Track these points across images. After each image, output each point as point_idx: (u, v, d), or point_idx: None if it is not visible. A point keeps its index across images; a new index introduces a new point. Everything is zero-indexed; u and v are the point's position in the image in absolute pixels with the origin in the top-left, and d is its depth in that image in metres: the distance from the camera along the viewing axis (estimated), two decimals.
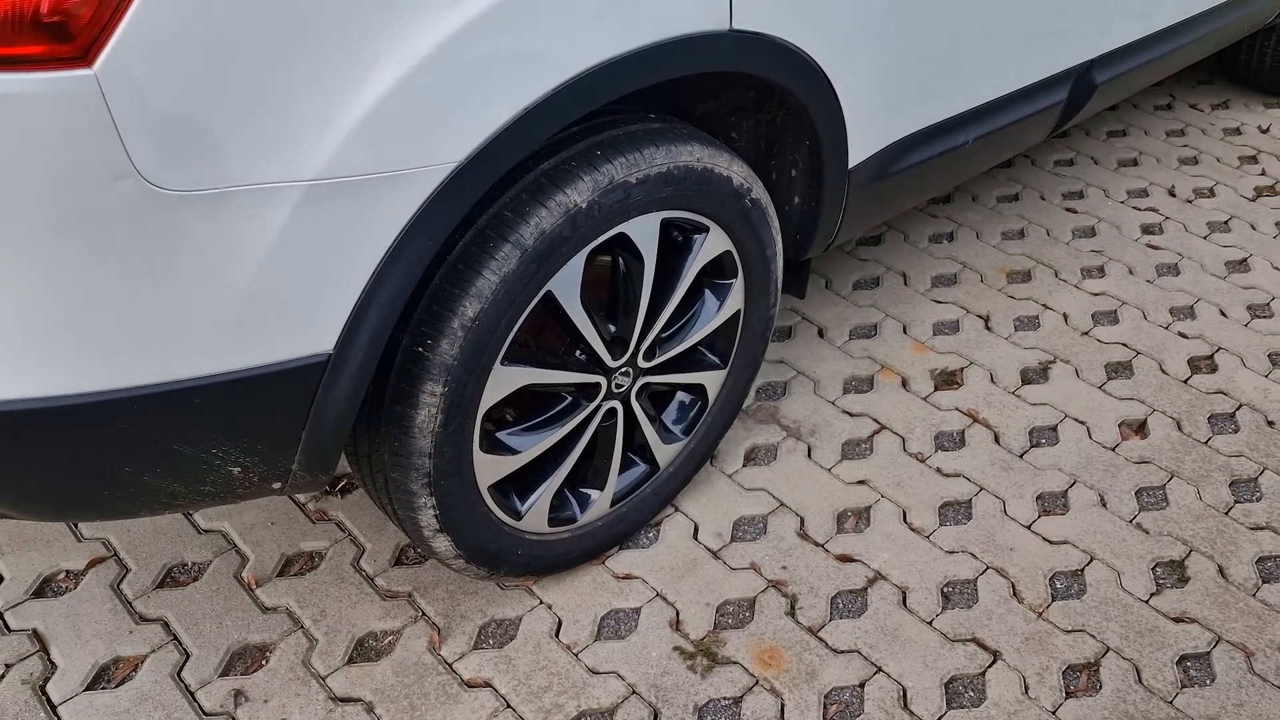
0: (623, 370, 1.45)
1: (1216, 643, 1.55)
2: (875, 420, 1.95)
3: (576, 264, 1.26)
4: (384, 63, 0.96)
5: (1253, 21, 2.62)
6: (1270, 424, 1.97)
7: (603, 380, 1.43)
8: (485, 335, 1.20)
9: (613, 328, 1.41)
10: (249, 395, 1.05)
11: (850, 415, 1.96)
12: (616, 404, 1.49)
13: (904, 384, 2.04)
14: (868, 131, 1.58)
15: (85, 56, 0.82)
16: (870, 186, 1.67)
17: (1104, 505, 1.78)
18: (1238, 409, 2.00)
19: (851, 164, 1.59)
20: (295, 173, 0.95)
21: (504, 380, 1.28)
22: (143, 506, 1.17)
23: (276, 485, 1.19)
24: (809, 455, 1.87)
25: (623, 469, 1.59)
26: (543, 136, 1.11)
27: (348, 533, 1.69)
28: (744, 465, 1.85)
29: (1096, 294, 2.31)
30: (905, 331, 2.18)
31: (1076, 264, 2.40)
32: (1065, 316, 2.23)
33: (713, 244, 1.45)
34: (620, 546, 1.67)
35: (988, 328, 2.20)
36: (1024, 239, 2.49)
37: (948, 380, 2.05)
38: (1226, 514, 1.78)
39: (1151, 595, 1.62)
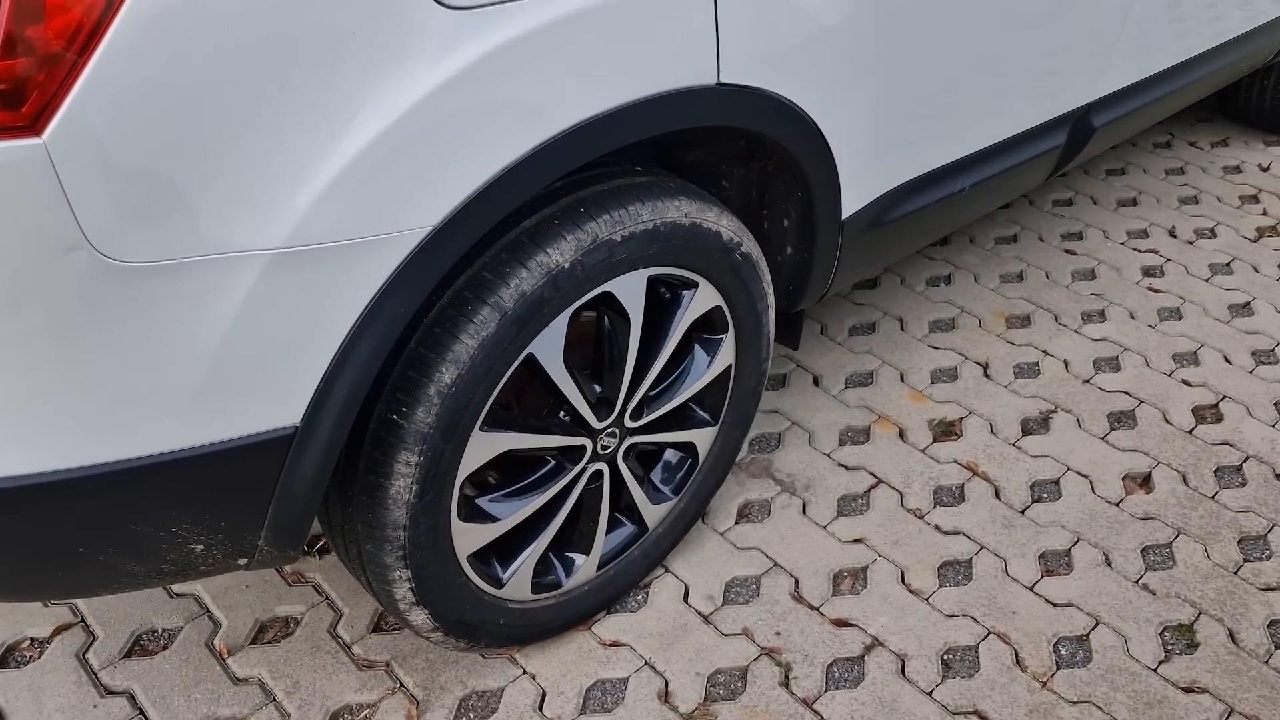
0: (609, 431, 1.40)
1: (1229, 715, 1.50)
2: (872, 474, 1.91)
3: (559, 325, 1.22)
4: (354, 126, 0.92)
5: (1252, 61, 2.61)
6: (1278, 477, 1.93)
7: (588, 442, 1.38)
8: (463, 401, 1.15)
9: (598, 388, 1.36)
10: (211, 472, 1.01)
11: (846, 469, 1.92)
12: (603, 465, 1.44)
13: (901, 435, 2.00)
14: (862, 181, 1.55)
15: (34, 125, 0.79)
16: (865, 235, 1.64)
17: (1109, 565, 1.74)
18: (1244, 461, 1.97)
19: (845, 214, 1.55)
20: (259, 241, 0.91)
21: (483, 446, 1.23)
22: (99, 586, 1.12)
23: (242, 561, 1.14)
24: (804, 511, 1.83)
25: (609, 530, 1.54)
26: (521, 198, 1.08)
27: (325, 596, 1.64)
28: (737, 522, 1.80)
29: (1098, 339, 2.28)
30: (903, 379, 2.14)
31: (1077, 308, 2.38)
32: (1066, 363, 2.20)
33: (702, 299, 1.41)
34: (607, 611, 1.62)
35: (987, 375, 2.16)
36: (1023, 282, 2.46)
37: (946, 431, 2.01)
38: (1235, 574, 1.74)
39: (1160, 663, 1.58)
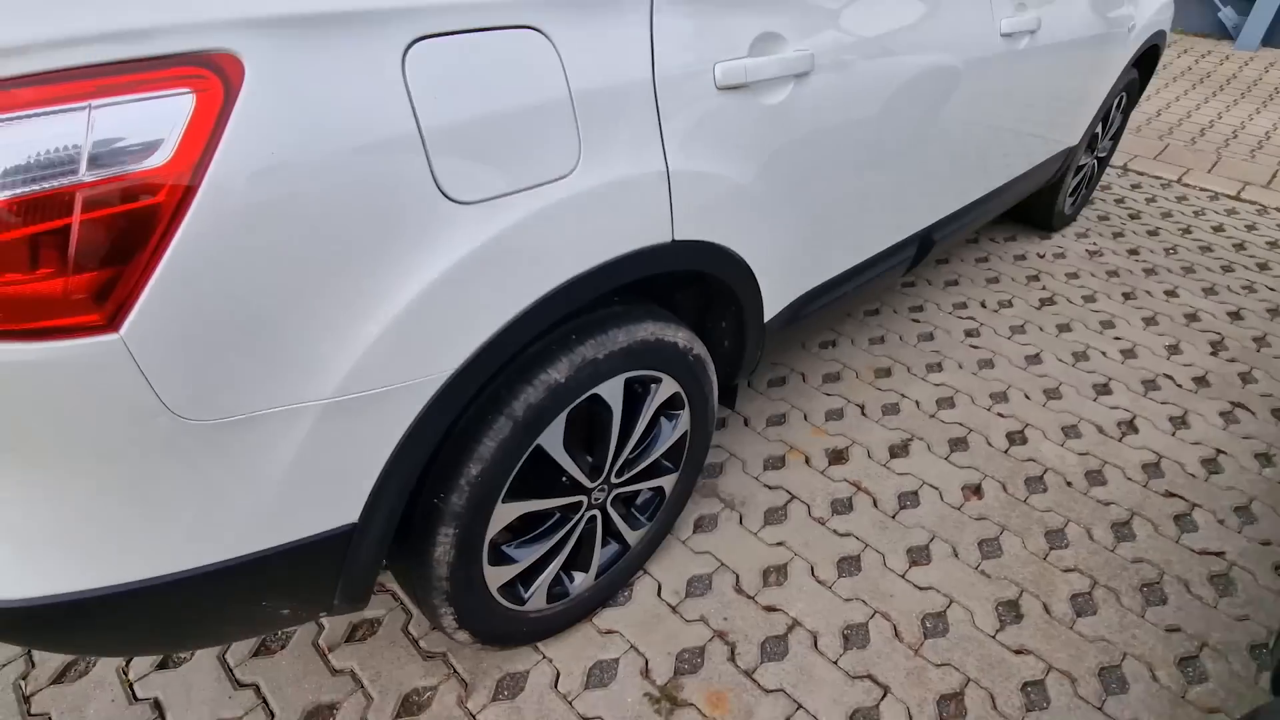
0: (599, 488, 1.24)
1: (1048, 671, 1.35)
2: (788, 492, 1.75)
3: (559, 423, 1.06)
4: (387, 300, 0.76)
5: (1034, 186, 2.48)
6: (1069, 484, 1.79)
7: (584, 498, 1.22)
8: (487, 486, 0.99)
9: (590, 458, 1.20)
10: (290, 560, 0.84)
11: (770, 488, 1.76)
12: (596, 511, 1.28)
13: (807, 461, 1.84)
14: (778, 295, 1.40)
15: (112, 323, 0.62)
16: (781, 331, 1.49)
17: (956, 556, 1.59)
18: (1045, 473, 1.82)
19: (767, 318, 1.40)
20: (311, 395, 0.75)
21: (504, 514, 1.07)
22: (211, 642, 0.95)
23: (322, 614, 0.97)
24: (741, 522, 1.66)
25: (602, 549, 1.38)
26: (524, 339, 0.92)
27: (399, 601, 1.46)
28: (694, 532, 1.64)
29: (938, 384, 2.13)
30: (806, 419, 1.98)
31: (922, 361, 2.23)
32: (917, 403, 2.05)
33: (665, 389, 1.25)
34: (603, 606, 1.45)
35: (864, 414, 2.01)
36: (884, 344, 2.31)
37: (838, 457, 1.86)
38: (1045, 559, 1.59)
39: (997, 631, 1.42)
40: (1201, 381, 2.17)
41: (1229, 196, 3.48)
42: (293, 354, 0.72)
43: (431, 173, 0.74)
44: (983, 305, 2.53)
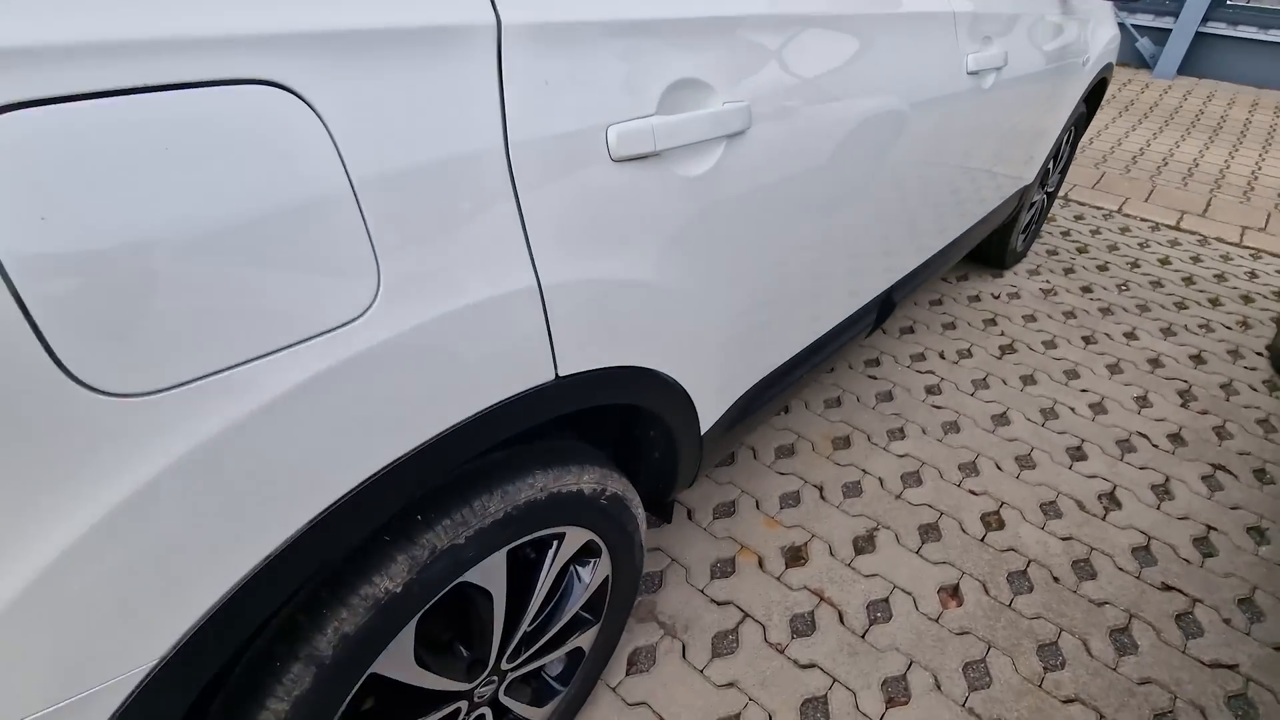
0: (485, 682, 0.89)
1: None
2: (739, 608, 1.42)
3: (404, 637, 0.71)
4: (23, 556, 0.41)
5: (994, 225, 2.24)
6: (1056, 579, 1.51)
7: (464, 703, 0.87)
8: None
9: (466, 652, 0.85)
10: None
11: (718, 604, 1.43)
12: (485, 709, 0.93)
13: (760, 563, 1.52)
14: (717, 401, 1.08)
15: None
16: (723, 435, 1.17)
17: (939, 687, 1.29)
18: (1028, 566, 1.54)
19: (705, 429, 1.08)
20: None
21: None
22: None
23: None
24: (684, 655, 1.33)
25: None
26: (304, 571, 0.56)
27: None
28: (627, 674, 1.29)
29: (901, 455, 1.84)
30: (758, 507, 1.67)
31: (883, 427, 1.94)
32: (881, 481, 1.76)
33: (572, 542, 0.92)
34: None
35: (823, 497, 1.70)
36: (841, 406, 2.02)
37: (795, 556, 1.55)
38: (1040, 686, 1.30)
39: None
40: (1177, 440, 1.94)
41: (1169, 226, 3.35)
42: None
43: (46, 346, 0.39)
44: (941, 356, 2.28)
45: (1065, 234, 3.22)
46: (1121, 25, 6.16)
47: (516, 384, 0.66)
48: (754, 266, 0.99)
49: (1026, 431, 1.95)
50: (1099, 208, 3.53)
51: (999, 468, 1.82)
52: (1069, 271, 2.87)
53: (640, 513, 1.03)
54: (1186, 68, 6.14)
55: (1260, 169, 4.11)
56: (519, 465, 0.78)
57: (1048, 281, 2.77)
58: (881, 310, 1.61)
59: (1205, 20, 5.90)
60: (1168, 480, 1.80)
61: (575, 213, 0.66)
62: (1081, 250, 3.06)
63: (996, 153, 1.81)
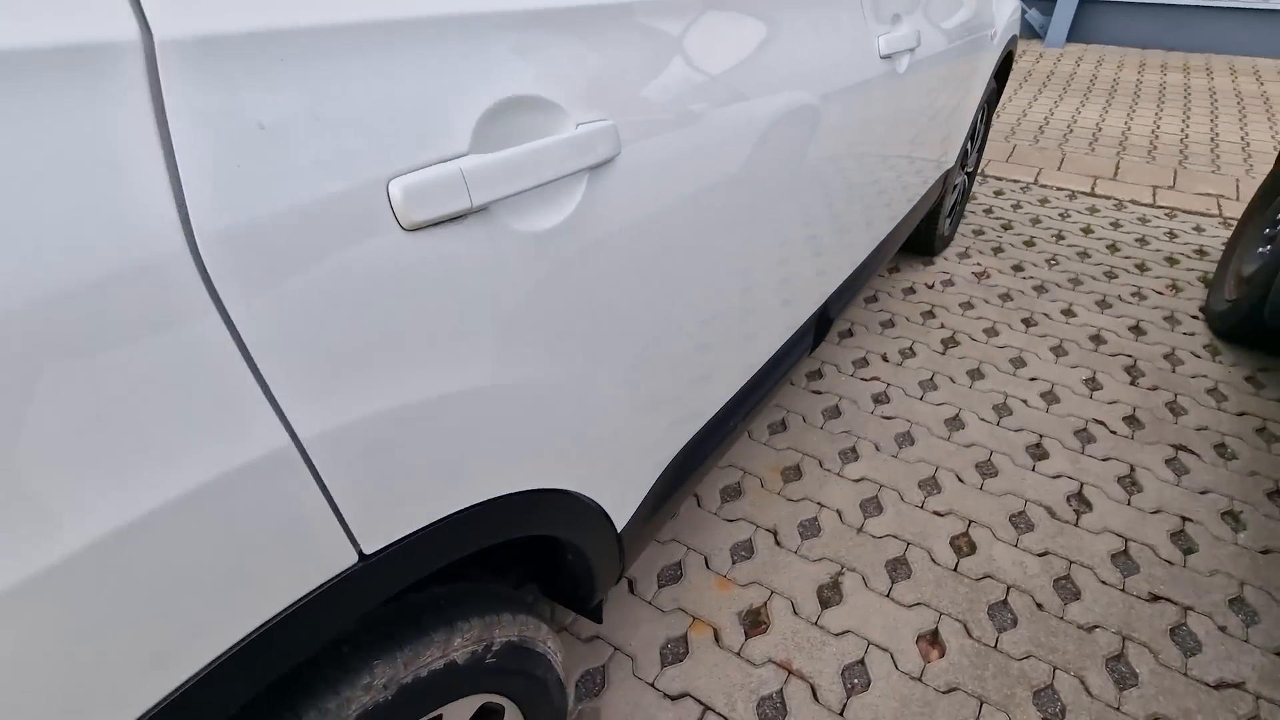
0: None
1: None
2: (697, 699, 1.21)
3: None
4: None
5: (922, 214, 2.10)
6: (1039, 606, 1.36)
7: None
8: None
9: None
10: None
11: (672, 700, 1.21)
12: None
13: (716, 638, 1.32)
14: (627, 493, 0.86)
15: None
16: (649, 521, 0.95)
17: None
18: (1008, 593, 1.39)
19: (620, 528, 0.86)
20: None
21: None
22: None
23: None
24: None
25: None
26: None
27: None
28: None
29: (857, 480, 1.67)
30: (708, 565, 1.46)
31: (834, 448, 1.77)
32: (839, 513, 1.58)
33: (460, 711, 0.68)
34: None
35: (778, 542, 1.51)
36: (787, 430, 1.84)
37: (755, 622, 1.34)
38: None
39: None
40: (1134, 422, 1.84)
41: (1085, 194, 3.34)
42: None
43: None
44: (884, 359, 2.13)
45: (988, 211, 3.15)
46: None
47: (284, 594, 0.43)
48: (649, 323, 0.77)
49: (983, 433, 1.81)
50: (1016, 180, 3.50)
51: (960, 480, 1.67)
52: (998, 251, 2.79)
53: (552, 645, 0.80)
54: (1075, 35, 6.33)
55: (1159, 128, 4.20)
56: (347, 666, 0.54)
57: (979, 264, 2.68)
58: (819, 327, 1.43)
59: None
60: (1133, 470, 1.69)
61: (345, 321, 0.43)
62: (1006, 227, 2.99)
63: (917, 139, 1.66)
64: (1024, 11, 6.39)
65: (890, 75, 1.26)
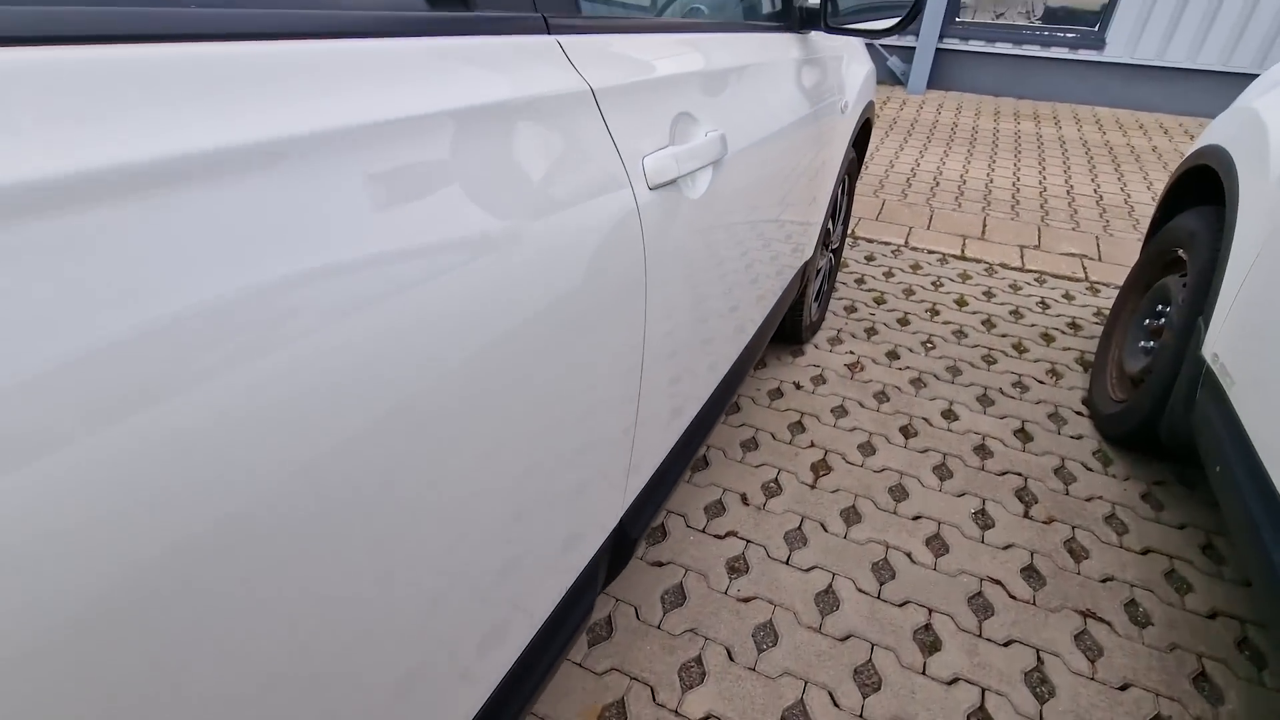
0: None
1: None
2: None
3: None
4: None
5: (778, 318, 1.71)
6: None
7: None
8: None
9: None
10: None
11: None
12: None
13: None
14: None
15: None
16: None
17: None
18: None
19: None
20: None
21: None
22: None
23: None
24: None
25: None
26: None
27: None
28: None
29: (703, 717, 1.21)
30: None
31: (672, 663, 1.30)
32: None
33: None
34: None
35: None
36: (613, 640, 1.36)
37: None
38: None
39: None
40: (1034, 578, 1.50)
41: (956, 257, 3.15)
42: None
43: None
44: (744, 501, 1.71)
45: (860, 282, 2.87)
46: (870, 46, 6.34)
47: None
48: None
49: (861, 614, 1.41)
50: (886, 243, 3.27)
51: (835, 702, 1.24)
52: (871, 333, 2.48)
53: None
54: (934, 82, 6.45)
55: (1019, 179, 4.17)
56: None
57: (851, 352, 2.35)
58: (615, 556, 0.96)
59: (942, 37, 6.22)
60: (1040, 663, 1.33)
61: None
62: (879, 301, 2.71)
63: (754, 255, 1.25)
64: (886, 59, 6.46)
65: (675, 205, 0.82)
